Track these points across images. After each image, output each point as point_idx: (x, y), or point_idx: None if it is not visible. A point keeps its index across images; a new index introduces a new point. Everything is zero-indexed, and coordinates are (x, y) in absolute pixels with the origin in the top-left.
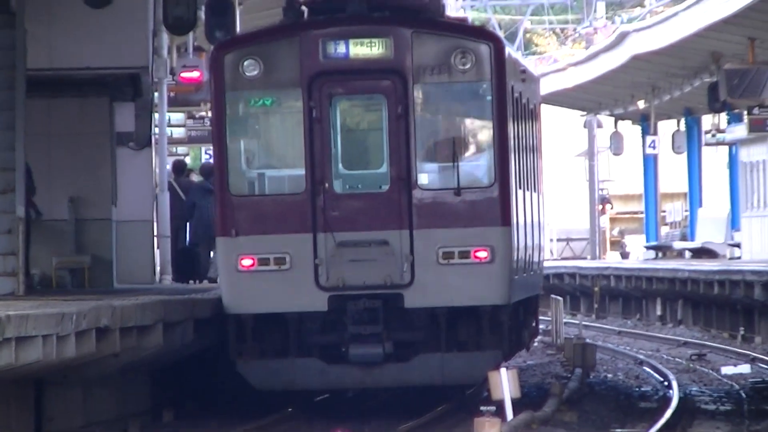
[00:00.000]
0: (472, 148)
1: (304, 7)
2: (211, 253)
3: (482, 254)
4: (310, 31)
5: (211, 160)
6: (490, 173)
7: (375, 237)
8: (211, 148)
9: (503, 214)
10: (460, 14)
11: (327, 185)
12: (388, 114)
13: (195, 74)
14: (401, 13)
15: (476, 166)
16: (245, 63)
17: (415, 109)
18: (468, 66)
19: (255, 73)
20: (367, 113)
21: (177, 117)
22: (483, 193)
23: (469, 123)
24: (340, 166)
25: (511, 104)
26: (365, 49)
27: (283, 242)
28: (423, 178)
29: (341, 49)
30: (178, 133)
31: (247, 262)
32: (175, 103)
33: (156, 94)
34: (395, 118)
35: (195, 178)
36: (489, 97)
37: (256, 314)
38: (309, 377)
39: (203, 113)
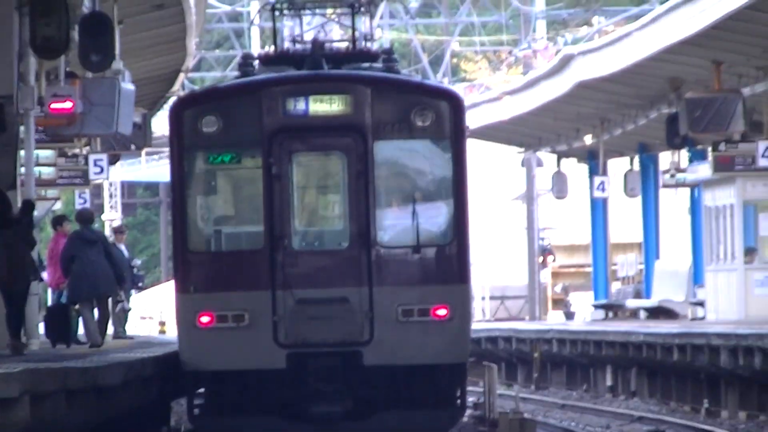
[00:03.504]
0: (431, 206)
1: (256, 63)
2: (95, 313)
3: (441, 312)
4: (270, 88)
5: (86, 205)
6: (449, 231)
7: (334, 294)
8: (84, 192)
9: (461, 272)
10: (377, 34)
11: (286, 242)
12: (347, 170)
13: (67, 105)
14: (361, 70)
15: (435, 223)
16: (204, 119)
17: (375, 165)
18: (428, 123)
19: (214, 129)
20: (327, 170)
21: (46, 154)
22: (442, 251)
23: (429, 180)
24: (299, 222)
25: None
26: (325, 105)
27: (242, 299)
28: (382, 236)
29: (301, 105)
30: (48, 173)
31: (205, 318)
32: (44, 139)
33: (22, 127)
34: (355, 174)
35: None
36: (448, 155)
37: (214, 371)
38: None
39: (77, 150)
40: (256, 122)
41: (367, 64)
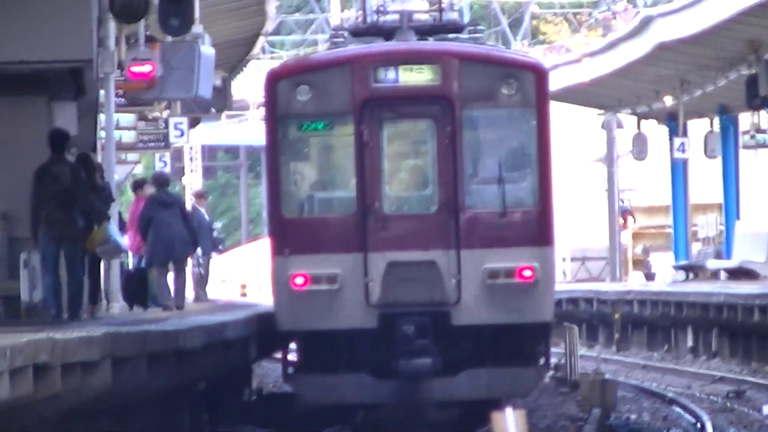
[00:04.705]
0: (516, 171)
1: (346, 34)
2: (170, 277)
3: (527, 273)
4: (362, 59)
5: (166, 168)
6: (534, 195)
7: (423, 257)
8: (165, 156)
9: (546, 235)
10: None
11: (377, 206)
12: (436, 138)
13: (147, 68)
14: (449, 41)
15: (521, 188)
16: (298, 89)
17: (462, 133)
18: (513, 92)
19: (307, 98)
20: (416, 137)
21: (127, 118)
22: (527, 215)
23: (514, 147)
24: (390, 188)
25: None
26: (414, 75)
27: (335, 262)
28: (469, 200)
29: (391, 75)
30: (128, 137)
31: (299, 280)
32: (124, 103)
33: (102, 92)
34: (443, 142)
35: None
36: (533, 123)
37: (308, 331)
38: (359, 392)
39: (157, 114)
40: (347, 91)
41: (453, 36)
